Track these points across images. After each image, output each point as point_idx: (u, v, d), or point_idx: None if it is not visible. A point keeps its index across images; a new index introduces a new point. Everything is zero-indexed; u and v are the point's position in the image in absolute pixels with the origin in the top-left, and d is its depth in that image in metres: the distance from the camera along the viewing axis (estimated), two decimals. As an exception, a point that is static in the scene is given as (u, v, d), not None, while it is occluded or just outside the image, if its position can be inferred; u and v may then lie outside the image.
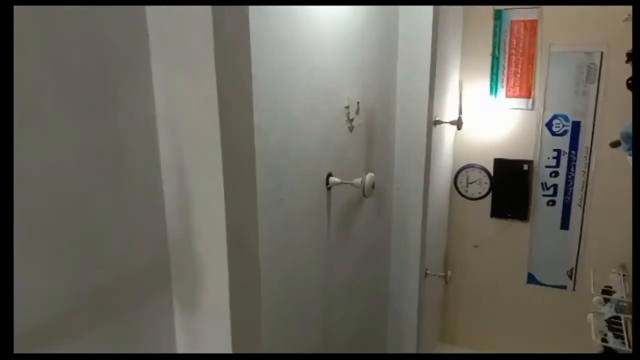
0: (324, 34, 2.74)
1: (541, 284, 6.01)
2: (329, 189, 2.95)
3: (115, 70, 1.33)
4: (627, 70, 4.37)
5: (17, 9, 1.05)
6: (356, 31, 3.20)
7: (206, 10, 1.39)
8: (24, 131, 1.10)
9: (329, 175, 2.94)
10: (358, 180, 3.04)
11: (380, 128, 3.87)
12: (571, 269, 5.84)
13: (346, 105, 3.13)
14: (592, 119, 5.55)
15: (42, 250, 1.18)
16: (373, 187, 3.13)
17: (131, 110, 1.39)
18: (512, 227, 5.93)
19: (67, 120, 1.20)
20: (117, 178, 1.37)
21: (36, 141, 1.13)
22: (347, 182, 3.01)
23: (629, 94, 4.28)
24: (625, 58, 4.58)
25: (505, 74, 5.87)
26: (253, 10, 1.68)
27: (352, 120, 3.22)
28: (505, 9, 5.73)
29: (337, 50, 2.94)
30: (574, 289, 5.87)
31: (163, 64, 1.45)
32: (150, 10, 1.43)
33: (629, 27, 4.64)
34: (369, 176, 3.09)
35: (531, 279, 6.05)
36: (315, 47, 2.66)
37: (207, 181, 1.51)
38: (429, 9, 3.95)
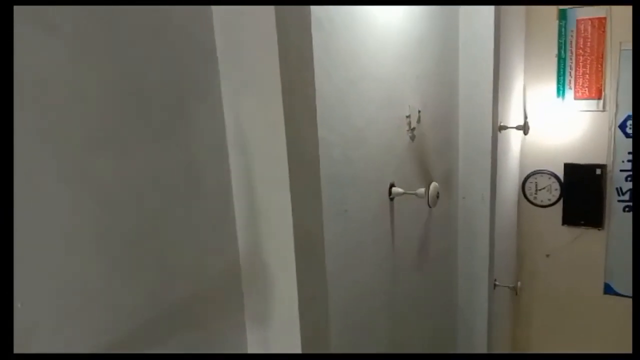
0: (384, 46, 2.75)
1: (620, 295, 5.68)
2: (391, 199, 2.93)
3: (188, 93, 1.39)
4: None
5: (96, 43, 1.13)
6: (416, 41, 3.18)
7: (271, 30, 1.43)
8: (105, 153, 1.17)
9: (392, 185, 2.92)
10: (422, 190, 3.00)
11: (442, 136, 3.81)
12: (653, 278, 5.49)
13: (407, 114, 3.11)
14: (670, 118, 5.22)
15: (123, 266, 1.25)
16: (438, 196, 3.08)
17: (203, 130, 1.45)
18: (586, 235, 5.65)
19: (144, 143, 1.27)
20: (191, 195, 1.43)
21: (116, 162, 1.20)
22: (410, 192, 2.98)
23: None
24: None
25: (573, 75, 5.63)
26: (315, 26, 1.72)
27: (413, 129, 3.19)
28: (571, 8, 5.51)
29: (397, 61, 2.93)
30: (657, 300, 5.51)
31: (231, 85, 1.50)
32: (218, 33, 1.49)
33: None
34: (433, 186, 3.04)
35: (608, 289, 5.73)
36: (376, 59, 2.67)
37: (275, 195, 1.55)
38: (490, 14, 3.87)
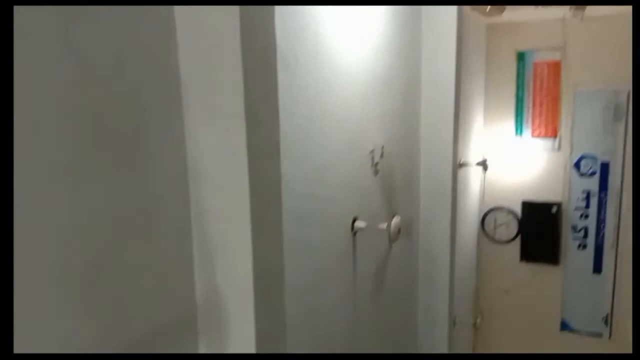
0: (349, 84, 2.79)
1: (575, 331, 5.79)
2: (354, 233, 2.93)
3: (149, 124, 1.36)
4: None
5: (53, 60, 1.10)
6: (380, 79, 3.24)
7: (236, 65, 1.43)
8: (59, 185, 1.12)
9: (355, 219, 2.92)
10: (383, 225, 3.02)
11: (405, 171, 3.86)
12: (606, 315, 5.63)
13: (371, 149, 3.14)
14: (621, 159, 5.46)
15: (73, 303, 1.19)
16: (399, 232, 3.10)
17: (163, 163, 1.42)
18: (543, 272, 5.78)
19: (100, 175, 1.23)
20: (148, 230, 1.38)
21: (70, 195, 1.16)
22: (372, 226, 2.98)
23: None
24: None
25: (530, 114, 5.85)
26: (279, 64, 1.73)
27: (376, 164, 3.22)
28: (528, 51, 5.76)
29: (362, 99, 2.98)
30: (610, 337, 5.63)
31: (195, 116, 1.48)
32: (183, 64, 1.47)
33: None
34: (395, 221, 3.06)
35: (565, 325, 5.84)
36: (341, 98, 2.70)
37: (235, 230, 1.52)
38: (451, 53, 3.99)
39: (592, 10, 4.67)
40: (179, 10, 1.52)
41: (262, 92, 1.52)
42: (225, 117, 1.46)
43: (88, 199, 1.20)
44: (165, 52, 1.46)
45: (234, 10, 1.46)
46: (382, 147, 3.31)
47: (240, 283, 1.55)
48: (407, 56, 3.77)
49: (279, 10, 1.79)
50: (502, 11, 4.41)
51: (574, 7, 4.51)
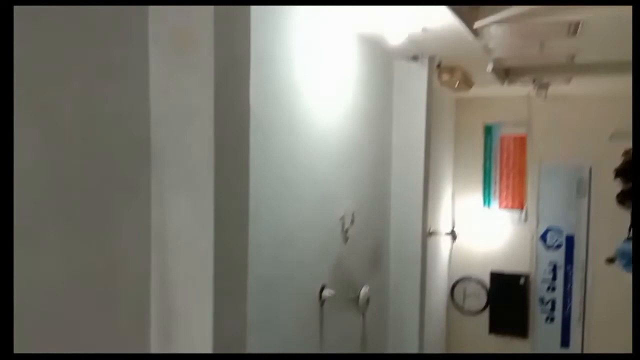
0: (322, 148, 2.82)
1: (545, 406, 5.68)
2: (322, 302, 2.86)
3: (115, 188, 1.33)
4: (616, 186, 4.46)
5: (19, 124, 1.07)
6: (353, 144, 3.29)
7: (209, 132, 1.43)
8: (23, 249, 1.07)
9: (323, 287, 2.86)
10: (352, 294, 2.96)
11: (375, 238, 3.85)
12: (575, 391, 5.55)
13: (341, 215, 3.13)
14: (585, 233, 5.57)
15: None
16: (368, 301, 3.05)
17: (127, 227, 1.37)
18: (512, 345, 5.71)
19: (64, 238, 1.18)
20: (108, 295, 1.32)
21: (33, 259, 1.11)
22: (341, 295, 2.92)
23: (620, 209, 4.34)
24: (613, 174, 4.68)
25: (498, 186, 5.99)
26: (254, 127, 1.73)
27: (347, 230, 3.21)
28: (495, 124, 5.97)
29: (334, 163, 3.00)
30: (580, 413, 5.53)
31: (163, 182, 1.45)
32: (155, 129, 1.46)
33: (614, 146, 4.80)
34: (364, 290, 3.01)
35: (534, 400, 5.72)
36: (314, 161, 2.72)
37: (196, 298, 1.46)
38: (421, 123, 4.09)
39: (554, 90, 4.91)
40: (154, 75, 1.53)
41: (233, 159, 1.51)
42: (194, 183, 1.44)
43: (49, 263, 1.15)
44: (137, 116, 1.45)
45: (209, 77, 1.48)
46: (353, 214, 3.30)
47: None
48: (379, 124, 3.85)
49: (256, 77, 1.82)
50: (471, 87, 4.59)
51: (537, 86, 4.73)
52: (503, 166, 5.97)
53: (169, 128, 1.49)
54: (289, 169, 2.44)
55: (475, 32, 2.84)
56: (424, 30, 3.00)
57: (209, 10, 1.51)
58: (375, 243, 3.85)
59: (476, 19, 2.78)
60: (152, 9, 1.58)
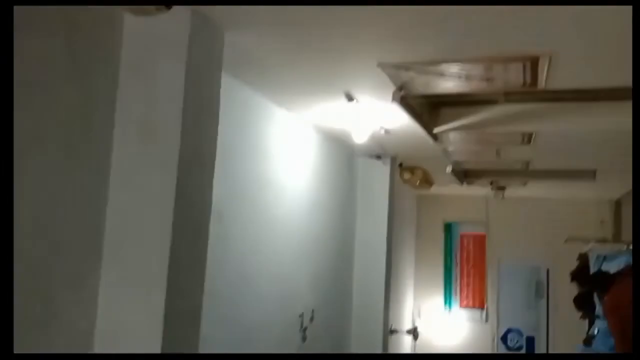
0: (283, 241, 2.79)
1: None
2: (277, 406, 2.70)
3: (61, 283, 1.26)
4: (573, 289, 4.53)
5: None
6: (314, 238, 3.27)
7: (166, 226, 1.40)
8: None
9: (279, 390, 2.71)
10: (309, 398, 2.81)
11: (335, 337, 3.73)
12: None
13: (300, 313, 3.04)
14: (545, 335, 5.56)
15: None
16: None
17: (71, 323, 1.29)
18: None
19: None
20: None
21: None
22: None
23: (578, 311, 4.38)
24: (569, 277, 4.77)
25: (458, 285, 6.00)
26: (215, 220, 1.71)
27: (305, 329, 3.11)
28: (455, 223, 6.09)
29: (295, 257, 2.96)
30: None
31: (113, 277, 1.40)
32: (111, 221, 1.43)
33: (570, 248, 4.93)
34: (321, 393, 2.86)
35: None
36: (274, 255, 2.68)
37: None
38: (384, 220, 4.14)
39: (511, 191, 5.10)
40: (115, 165, 1.52)
41: (190, 254, 1.48)
42: (145, 279, 1.39)
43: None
44: (94, 206, 1.42)
45: (172, 171, 1.48)
46: (313, 311, 3.22)
47: None
48: (342, 220, 3.87)
49: (220, 168, 1.82)
50: (431, 185, 4.72)
51: (495, 188, 4.90)
52: (463, 264, 6.03)
53: (126, 220, 1.46)
54: (249, 263, 2.40)
55: (435, 137, 2.97)
56: (387, 131, 3.12)
57: (177, 103, 1.54)
58: (334, 341, 3.73)
59: (436, 124, 2.92)
60: (120, 99, 1.60)
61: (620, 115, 2.73)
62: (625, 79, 2.20)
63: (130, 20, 1.55)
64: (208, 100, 1.69)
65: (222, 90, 1.78)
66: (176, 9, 1.41)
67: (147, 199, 1.49)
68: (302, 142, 3.12)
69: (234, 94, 2.32)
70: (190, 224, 1.51)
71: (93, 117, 1.50)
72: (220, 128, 1.77)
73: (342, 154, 3.77)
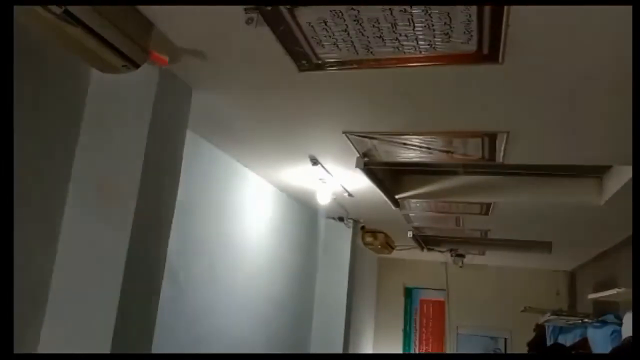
0: (242, 305, 2.72)
1: None
2: None
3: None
4: (530, 360, 4.54)
5: None
6: (273, 301, 3.20)
7: (115, 285, 1.35)
8: None
9: None
10: None
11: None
12: None
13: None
14: (503, 407, 5.48)
15: None
16: None
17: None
18: None
19: None
20: None
21: None
22: None
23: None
24: (527, 348, 4.78)
25: (417, 351, 5.91)
26: (168, 278, 1.66)
27: (258, 396, 2.98)
28: (415, 288, 6.08)
29: (253, 320, 2.88)
30: None
31: (54, 336, 1.32)
32: (57, 277, 1.36)
33: (527, 317, 4.96)
34: None
35: None
36: (232, 317, 2.61)
37: None
38: (344, 281, 4.10)
39: (471, 259, 5.16)
40: (67, 220, 1.47)
41: (138, 316, 1.42)
42: (89, 341, 1.32)
43: None
44: (39, 262, 1.37)
45: (126, 230, 1.44)
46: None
47: None
48: (302, 279, 3.82)
49: (177, 226, 1.79)
50: (392, 249, 4.75)
51: (454, 254, 4.96)
52: (422, 330, 5.97)
53: (73, 277, 1.40)
54: (202, 325, 2.31)
55: (397, 203, 3.01)
56: (350, 195, 3.15)
57: (138, 161, 1.52)
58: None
59: (398, 191, 2.97)
60: (80, 153, 1.57)
61: (575, 192, 2.84)
62: (578, 157, 2.32)
63: (97, 75, 1.54)
64: (170, 160, 1.68)
65: (185, 147, 1.77)
66: (144, 67, 1.42)
67: (98, 257, 1.44)
68: (265, 201, 3.10)
69: (198, 151, 2.31)
70: (142, 284, 1.46)
71: (49, 168, 1.47)
72: (180, 185, 1.74)
73: (306, 215, 3.76)
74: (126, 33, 1.29)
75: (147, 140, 1.50)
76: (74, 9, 1.14)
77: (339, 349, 4.00)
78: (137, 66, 1.38)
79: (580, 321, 3.91)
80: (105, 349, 1.30)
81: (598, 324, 3.57)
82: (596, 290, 3.49)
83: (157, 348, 1.57)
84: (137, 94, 1.57)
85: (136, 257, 1.42)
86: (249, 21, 1.27)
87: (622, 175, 2.39)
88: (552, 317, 4.15)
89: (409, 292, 6.09)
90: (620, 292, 2.88)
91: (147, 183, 1.51)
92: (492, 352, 5.70)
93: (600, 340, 3.40)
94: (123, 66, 1.36)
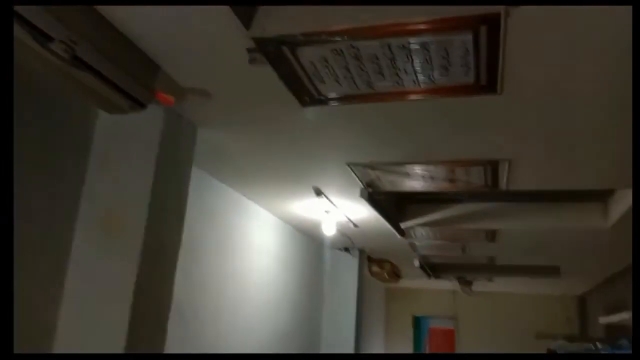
0: (247, 340, 2.70)
1: None
2: None
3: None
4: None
5: None
6: (280, 334, 3.18)
7: (123, 320, 1.36)
8: None
9: None
10: None
11: None
12: None
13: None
14: None
15: None
16: None
17: None
18: None
19: None
20: None
21: None
22: None
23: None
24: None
25: (428, 382, 5.82)
26: (176, 318, 1.65)
27: None
28: (424, 317, 6.00)
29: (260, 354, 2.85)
30: None
31: None
32: (65, 314, 1.37)
33: (538, 343, 4.88)
34: None
35: None
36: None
37: None
38: (352, 312, 4.06)
39: (479, 286, 5.12)
40: (75, 254, 1.48)
41: (145, 351, 1.41)
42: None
43: None
44: (47, 299, 1.37)
45: (133, 264, 1.44)
46: (275, 412, 3.05)
47: None
48: (310, 313, 3.79)
49: (184, 263, 1.79)
50: (399, 279, 4.72)
51: (462, 282, 4.92)
52: (433, 360, 5.88)
53: (80, 313, 1.41)
54: (210, 362, 2.29)
55: (402, 232, 3.01)
56: (355, 225, 3.15)
57: (144, 198, 1.54)
58: None
59: (403, 219, 2.97)
60: (87, 190, 1.59)
61: (580, 216, 2.84)
62: (580, 182, 2.33)
63: (104, 115, 1.57)
64: (176, 196, 1.69)
65: (191, 183, 1.79)
66: (150, 107, 1.45)
67: (105, 293, 1.44)
68: (271, 233, 3.11)
69: (203, 186, 2.33)
70: (149, 321, 1.46)
71: (56, 207, 1.49)
72: (187, 221, 1.76)
73: (311, 246, 3.76)
74: (132, 75, 1.33)
75: (153, 177, 1.53)
76: (83, 54, 1.18)
77: (348, 382, 3.94)
78: (143, 106, 1.41)
79: (592, 346, 3.85)
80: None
81: (611, 349, 3.51)
82: (607, 314, 3.44)
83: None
84: (144, 133, 1.60)
85: (143, 292, 1.43)
86: (252, 61, 1.31)
87: (626, 199, 2.39)
88: (565, 342, 4.09)
89: (417, 322, 6.02)
90: (631, 316, 2.84)
91: (154, 218, 1.52)
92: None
93: (614, 366, 3.34)
94: (129, 107, 1.39)
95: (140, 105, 1.38)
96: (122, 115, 1.51)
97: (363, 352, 4.38)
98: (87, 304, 1.43)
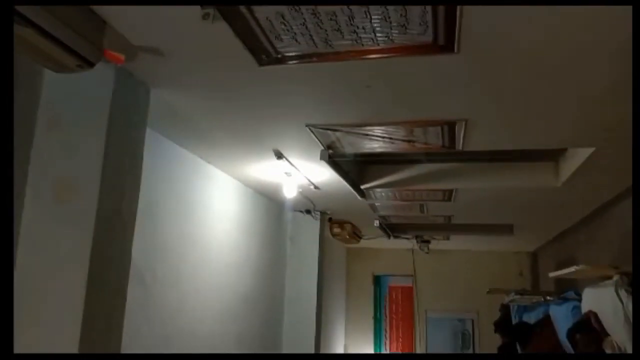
0: (209, 302, 2.71)
1: None
2: None
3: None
4: (497, 339, 4.67)
5: None
6: (242, 297, 3.20)
7: (80, 286, 1.33)
8: None
9: None
10: None
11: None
12: None
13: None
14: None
15: None
16: None
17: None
18: None
19: None
20: None
21: None
22: None
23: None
24: (493, 328, 4.90)
25: (388, 336, 6.02)
26: (135, 280, 1.64)
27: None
28: (384, 275, 6.17)
29: (221, 317, 2.87)
30: None
31: (20, 343, 1.29)
32: (19, 283, 1.33)
33: (493, 298, 5.10)
34: None
35: None
36: (200, 317, 2.59)
37: None
38: (314, 273, 4.11)
39: (436, 245, 5.27)
40: (26, 225, 1.44)
41: (105, 320, 1.40)
42: (55, 347, 1.29)
43: None
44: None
45: (88, 230, 1.41)
46: (239, 373, 3.10)
47: None
48: (272, 276, 3.81)
49: (142, 227, 1.77)
50: (360, 239, 4.80)
51: (420, 241, 5.06)
52: (392, 316, 6.07)
53: (36, 284, 1.37)
54: (172, 324, 2.29)
55: (362, 193, 3.04)
56: (316, 187, 3.16)
57: (97, 160, 1.49)
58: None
59: (363, 181, 3.00)
60: (35, 154, 1.53)
61: (533, 175, 2.93)
62: (534, 142, 2.39)
63: (50, 75, 1.50)
64: (131, 159, 1.65)
65: (147, 146, 1.74)
66: (99, 65, 1.39)
67: (61, 260, 1.41)
68: (231, 197, 3.09)
69: (160, 150, 2.28)
70: (107, 287, 1.44)
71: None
72: (144, 184, 1.72)
73: (273, 209, 3.76)
74: (79, 32, 1.26)
75: (105, 139, 1.48)
76: (23, 9, 1.11)
77: (311, 341, 4.03)
78: (91, 65, 1.35)
79: (542, 299, 4.04)
80: (73, 350, 1.28)
81: (559, 301, 3.69)
82: (557, 269, 3.61)
83: (125, 349, 1.56)
84: (94, 93, 1.54)
85: (100, 257, 1.40)
86: (205, 16, 1.26)
87: (577, 157, 2.47)
88: (516, 296, 4.27)
89: (377, 280, 6.18)
90: (578, 269, 2.99)
91: (108, 180, 1.48)
92: (460, 334, 5.84)
93: (561, 316, 3.52)
94: (77, 65, 1.33)
95: (88, 63, 1.32)
96: (70, 75, 1.44)
97: (326, 312, 4.47)
98: (40, 276, 1.40)
